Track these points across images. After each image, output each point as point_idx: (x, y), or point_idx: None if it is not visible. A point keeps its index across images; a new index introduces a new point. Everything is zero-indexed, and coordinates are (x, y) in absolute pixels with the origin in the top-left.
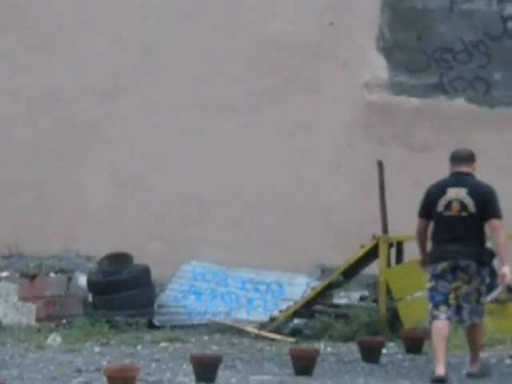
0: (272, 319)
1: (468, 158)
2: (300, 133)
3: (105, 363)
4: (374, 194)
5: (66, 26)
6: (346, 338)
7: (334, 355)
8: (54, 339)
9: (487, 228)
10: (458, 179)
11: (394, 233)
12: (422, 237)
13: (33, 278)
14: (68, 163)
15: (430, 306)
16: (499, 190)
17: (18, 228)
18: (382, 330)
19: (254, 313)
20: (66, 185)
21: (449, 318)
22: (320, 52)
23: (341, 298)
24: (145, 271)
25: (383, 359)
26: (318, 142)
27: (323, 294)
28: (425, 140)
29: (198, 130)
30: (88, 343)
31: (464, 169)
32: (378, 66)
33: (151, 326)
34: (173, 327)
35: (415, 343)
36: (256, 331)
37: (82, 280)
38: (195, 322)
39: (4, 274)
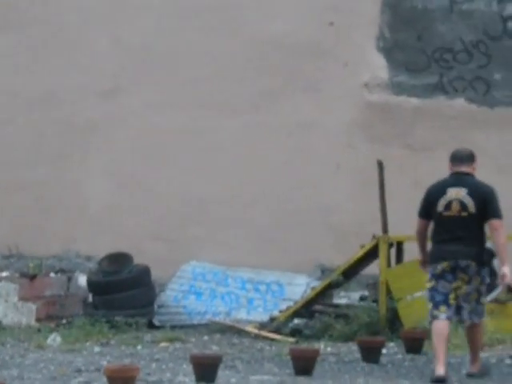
0: (272, 319)
1: (468, 158)
2: (300, 133)
3: (105, 363)
4: (374, 193)
5: (66, 26)
6: (346, 338)
7: (334, 355)
8: (54, 339)
9: (487, 228)
10: (458, 179)
11: (394, 233)
12: (421, 237)
13: (33, 278)
14: (68, 163)
15: (430, 306)
16: (499, 190)
17: (18, 228)
18: (381, 330)
19: (254, 313)
20: (66, 185)
21: (449, 318)
22: (320, 52)
23: (341, 298)
24: (145, 271)
25: (383, 359)
26: (318, 142)
27: (323, 294)
28: (425, 140)
29: (198, 130)
30: (88, 343)
31: (464, 169)
32: (378, 66)
33: (151, 326)
34: (173, 327)
35: (415, 343)
36: (256, 331)
37: (82, 280)
38: (195, 322)
39: (4, 273)
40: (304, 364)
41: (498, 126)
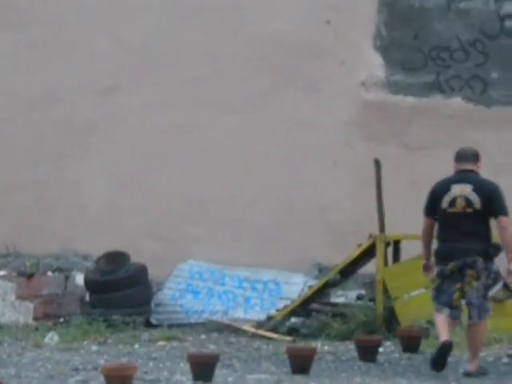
0: (269, 318)
1: (473, 156)
2: (298, 132)
3: (102, 362)
4: (371, 192)
5: (66, 26)
6: (343, 337)
7: (331, 354)
8: (52, 338)
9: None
10: (462, 176)
11: (391, 232)
12: (427, 236)
13: (30, 276)
14: (68, 163)
15: (436, 302)
16: None
17: (18, 228)
18: (378, 329)
19: (251, 312)
20: (65, 184)
21: (452, 319)
22: (318, 51)
23: (338, 297)
24: (142, 270)
25: (380, 358)
26: (315, 140)
27: (320, 293)
28: (421, 139)
29: (198, 129)
30: (85, 342)
31: (469, 167)
32: (375, 65)
33: (148, 324)
34: (170, 326)
35: (412, 342)
36: (253, 330)
37: (80, 279)
38: (192, 320)
39: (1, 272)
40: (301, 363)
41: (495, 125)
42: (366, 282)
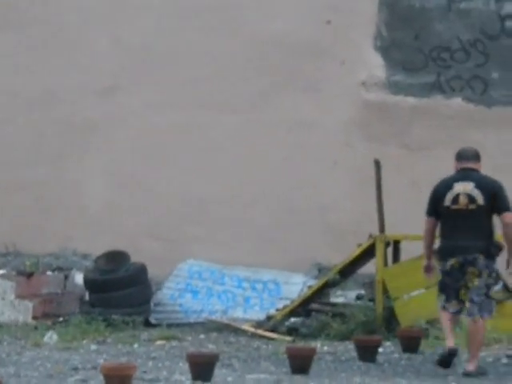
0: (269, 318)
1: (474, 156)
2: (298, 132)
3: (101, 361)
4: (372, 193)
5: (66, 26)
6: (343, 337)
7: (331, 354)
8: (51, 337)
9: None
10: (464, 175)
11: (391, 232)
12: (429, 236)
13: (30, 275)
14: (68, 163)
15: (441, 297)
16: None
17: (18, 227)
18: (378, 329)
19: (250, 311)
20: (65, 184)
21: (458, 313)
22: (318, 51)
23: (337, 297)
24: (141, 269)
25: (380, 358)
26: (315, 141)
27: (320, 293)
28: (422, 139)
29: (198, 129)
30: (85, 341)
31: (470, 165)
32: (376, 65)
33: (148, 324)
34: (169, 325)
35: (412, 342)
36: (252, 330)
37: (79, 278)
38: (192, 320)
39: (1, 271)
40: (300, 363)
41: (496, 125)
42: (366, 282)
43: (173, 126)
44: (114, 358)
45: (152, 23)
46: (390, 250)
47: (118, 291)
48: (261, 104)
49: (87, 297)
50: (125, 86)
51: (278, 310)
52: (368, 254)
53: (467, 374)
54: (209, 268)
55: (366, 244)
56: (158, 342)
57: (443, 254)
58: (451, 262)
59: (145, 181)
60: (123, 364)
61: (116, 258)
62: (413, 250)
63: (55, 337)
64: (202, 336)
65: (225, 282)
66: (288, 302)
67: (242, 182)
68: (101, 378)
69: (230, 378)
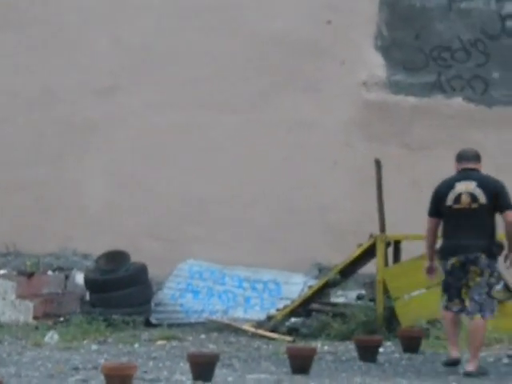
0: (269, 318)
1: (474, 157)
2: (299, 132)
3: (102, 361)
4: (372, 192)
5: (66, 26)
6: (343, 337)
7: (331, 354)
8: (52, 337)
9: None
10: (466, 175)
11: (392, 232)
12: (432, 236)
13: (30, 275)
14: (68, 163)
15: (444, 296)
16: None
17: (18, 227)
18: (379, 329)
19: (251, 311)
20: (65, 184)
21: (461, 311)
22: (318, 51)
23: (338, 297)
24: (142, 269)
25: (380, 358)
26: (316, 140)
27: (320, 293)
28: (422, 139)
29: (198, 129)
30: (85, 341)
31: (471, 166)
32: (376, 65)
33: (148, 324)
34: (170, 325)
35: (412, 342)
36: (253, 330)
37: (80, 278)
38: (192, 320)
39: (2, 271)
40: (301, 363)
41: (496, 125)
42: (367, 282)
43: (173, 126)
44: (114, 358)
45: (152, 23)
46: (390, 249)
47: (119, 291)
48: (261, 104)
49: (88, 297)
50: (125, 86)
51: (278, 310)
52: (368, 253)
53: (468, 374)
54: (209, 268)
55: (366, 244)
56: (159, 342)
57: (445, 253)
58: (452, 261)
59: (145, 181)
60: (124, 364)
61: (116, 257)
62: (413, 249)
63: (56, 337)
64: (202, 336)
65: (225, 282)
66: (288, 302)
67: (242, 182)
68: (101, 377)
69: (230, 378)
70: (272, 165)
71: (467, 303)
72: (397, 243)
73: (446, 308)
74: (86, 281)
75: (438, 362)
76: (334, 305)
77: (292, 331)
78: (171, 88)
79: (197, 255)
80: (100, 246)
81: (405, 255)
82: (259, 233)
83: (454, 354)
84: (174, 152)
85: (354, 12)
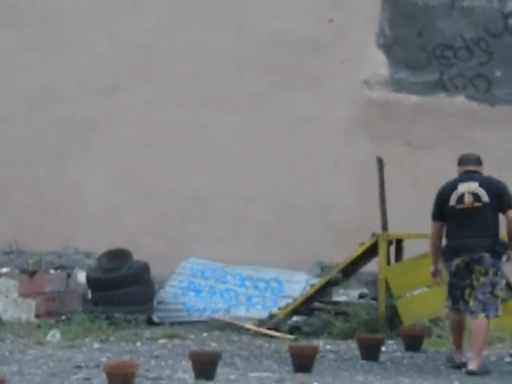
0: (271, 316)
1: (476, 160)
2: (300, 129)
3: (104, 359)
4: (374, 191)
5: (66, 25)
6: (346, 336)
7: (333, 352)
8: (54, 335)
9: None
10: (468, 176)
11: (394, 230)
12: (437, 239)
13: (32, 274)
14: (68, 161)
15: (449, 299)
16: None
17: (20, 226)
18: (381, 328)
19: (253, 310)
20: (66, 183)
21: (466, 311)
22: (320, 49)
23: (340, 296)
24: (144, 268)
25: (382, 357)
26: (317, 138)
27: (322, 292)
28: (425, 137)
29: (198, 126)
30: (87, 339)
31: (473, 168)
32: (378, 63)
33: (150, 322)
34: (172, 324)
35: (414, 341)
36: (255, 328)
37: (82, 276)
38: (194, 318)
39: (4, 270)
40: (303, 361)
41: (499, 123)
42: (369, 281)
43: (173, 123)
44: (116, 356)
45: (152, 23)
46: (392, 248)
47: (121, 289)
48: (262, 102)
49: (90, 295)
50: (125, 86)
51: (280, 308)
52: (370, 252)
53: (470, 373)
54: (211, 266)
55: (368, 242)
56: (161, 341)
57: (449, 253)
58: (456, 261)
59: (145, 178)
60: (126, 362)
61: (118, 256)
62: (415, 248)
63: (58, 335)
64: (204, 334)
65: (227, 281)
66: (290, 301)
67: (242, 179)
68: (104, 376)
69: (232, 377)
70: (273, 162)
71: (471, 303)
72: (399, 242)
73: (452, 309)
74: (88, 279)
75: (440, 360)
76: (336, 303)
77: (294, 330)
78: (171, 87)
79: (198, 253)
80: (102, 245)
81: (407, 254)
82: (260, 230)
83: (459, 358)
84: (175, 149)
85: (355, 10)
